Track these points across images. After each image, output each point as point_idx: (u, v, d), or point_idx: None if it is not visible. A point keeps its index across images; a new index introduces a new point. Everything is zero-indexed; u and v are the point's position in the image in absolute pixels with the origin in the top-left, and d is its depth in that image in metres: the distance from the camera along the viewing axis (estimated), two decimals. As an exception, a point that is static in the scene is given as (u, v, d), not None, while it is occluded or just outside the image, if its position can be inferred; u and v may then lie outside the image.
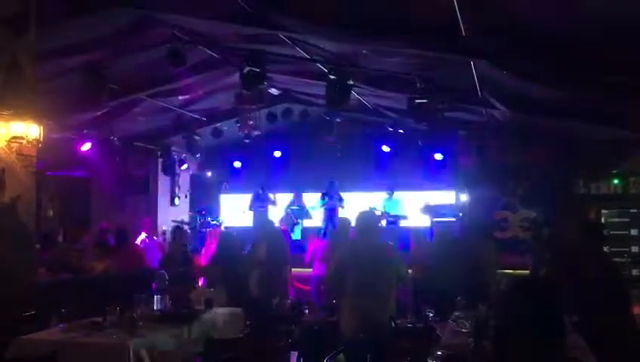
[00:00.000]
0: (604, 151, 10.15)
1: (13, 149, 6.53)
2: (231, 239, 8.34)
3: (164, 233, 11.67)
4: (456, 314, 5.04)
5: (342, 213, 12.54)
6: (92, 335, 4.61)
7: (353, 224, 7.65)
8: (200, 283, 8.22)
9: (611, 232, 11.04)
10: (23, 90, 6.66)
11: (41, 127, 6.73)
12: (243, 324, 5.70)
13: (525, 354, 2.20)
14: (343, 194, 12.90)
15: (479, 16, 5.34)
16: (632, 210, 11.00)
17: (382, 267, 5.20)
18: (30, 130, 6.60)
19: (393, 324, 4.79)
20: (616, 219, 11.16)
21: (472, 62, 6.77)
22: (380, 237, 5.82)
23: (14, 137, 6.50)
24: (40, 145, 6.79)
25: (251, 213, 13.21)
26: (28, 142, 6.61)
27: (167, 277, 5.69)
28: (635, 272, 10.68)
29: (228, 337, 5.26)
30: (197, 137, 12.58)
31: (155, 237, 11.86)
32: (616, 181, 10.80)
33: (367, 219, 5.64)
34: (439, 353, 3.64)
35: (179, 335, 5.00)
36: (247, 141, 12.26)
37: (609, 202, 11.09)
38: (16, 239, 6.41)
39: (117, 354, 4.36)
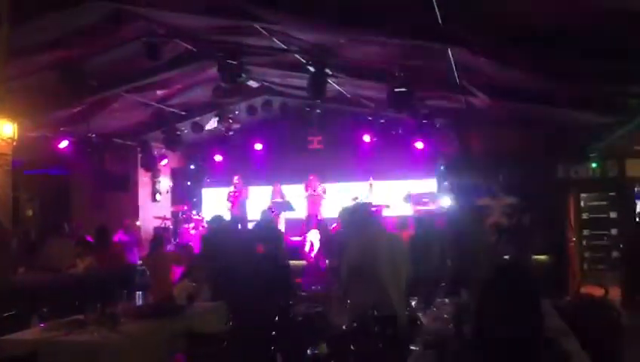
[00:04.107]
0: (581, 136, 10.24)
1: (-13, 148, 6.46)
2: (217, 235, 8.08)
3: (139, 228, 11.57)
4: (439, 300, 5.06)
5: (324, 204, 12.57)
6: (73, 334, 4.55)
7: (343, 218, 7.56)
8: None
9: (591, 216, 11.20)
10: (-4, 87, 6.58)
11: (15, 125, 6.66)
12: (226, 318, 5.66)
13: (504, 336, 2.21)
14: (325, 185, 12.89)
15: (456, 4, 5.34)
16: (610, 193, 11.12)
17: (390, 257, 5.07)
18: (4, 128, 6.53)
19: (375, 313, 4.77)
20: (596, 203, 11.30)
21: (449, 50, 6.77)
22: (379, 227, 5.57)
23: (-13, 135, 6.43)
24: (15, 143, 6.72)
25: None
26: (2, 140, 6.55)
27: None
28: (614, 254, 10.82)
29: (210, 332, 5.22)
30: (177, 132, 12.49)
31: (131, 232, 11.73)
32: (594, 165, 10.89)
33: (361, 212, 5.46)
34: (420, 339, 3.66)
35: (161, 331, 4.96)
36: (227, 135, 12.21)
37: (588, 186, 11.19)
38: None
39: (98, 352, 4.31)
